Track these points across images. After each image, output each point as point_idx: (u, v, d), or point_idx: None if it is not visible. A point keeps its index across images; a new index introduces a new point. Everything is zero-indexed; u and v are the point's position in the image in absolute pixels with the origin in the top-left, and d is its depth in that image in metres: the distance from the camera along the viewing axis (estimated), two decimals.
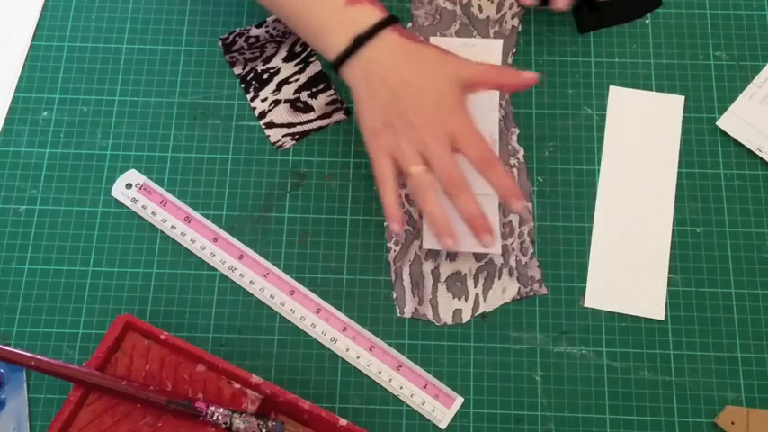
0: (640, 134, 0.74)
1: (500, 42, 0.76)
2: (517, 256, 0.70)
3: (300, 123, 0.74)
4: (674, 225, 0.71)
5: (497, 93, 0.74)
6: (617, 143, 0.74)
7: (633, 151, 0.73)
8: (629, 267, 0.70)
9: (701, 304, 0.69)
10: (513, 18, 0.77)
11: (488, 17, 0.77)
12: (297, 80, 0.76)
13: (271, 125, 0.74)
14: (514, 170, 0.72)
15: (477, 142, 0.63)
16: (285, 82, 0.76)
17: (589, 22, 0.77)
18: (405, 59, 0.64)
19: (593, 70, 0.76)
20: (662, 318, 0.68)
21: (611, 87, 0.75)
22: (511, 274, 0.70)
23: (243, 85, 0.76)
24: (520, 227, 0.71)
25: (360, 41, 0.64)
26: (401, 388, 0.67)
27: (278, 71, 0.76)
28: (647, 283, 0.69)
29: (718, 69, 0.76)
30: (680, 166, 0.73)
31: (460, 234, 0.64)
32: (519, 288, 0.69)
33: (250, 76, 0.76)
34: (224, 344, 0.68)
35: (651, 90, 0.75)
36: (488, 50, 0.74)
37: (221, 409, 0.62)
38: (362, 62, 0.64)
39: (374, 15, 0.64)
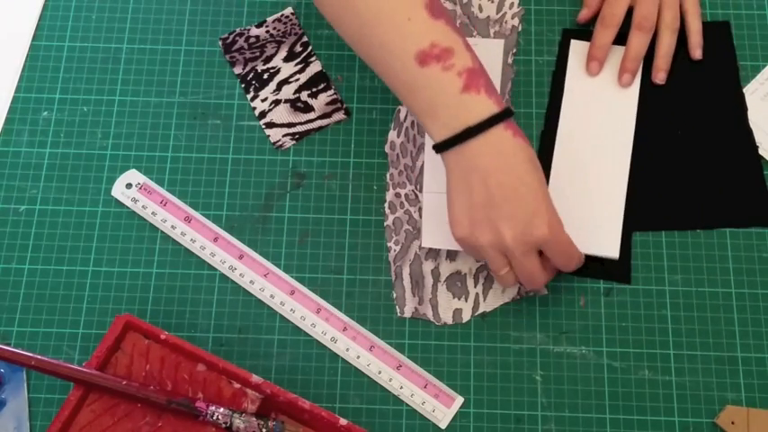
0: (599, 86, 0.74)
1: (500, 42, 0.76)
2: None
3: (300, 123, 0.74)
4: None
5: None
6: (576, 95, 0.74)
7: (592, 102, 0.73)
8: (584, 208, 0.69)
9: (701, 304, 0.69)
10: (513, 18, 0.77)
11: (488, 17, 0.77)
12: (297, 80, 0.76)
13: (271, 125, 0.74)
14: None
15: (564, 250, 0.63)
16: (285, 82, 0.76)
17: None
18: (510, 162, 0.61)
19: None
20: (616, 256, 0.68)
21: (572, 41, 0.75)
22: None
23: (243, 85, 0.76)
24: None
25: (469, 133, 0.60)
26: (401, 388, 0.67)
27: (278, 71, 0.76)
28: (603, 222, 0.69)
29: None
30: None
31: None
32: (519, 288, 0.69)
33: (250, 76, 0.76)
34: (224, 344, 0.68)
35: None
36: (489, 50, 0.74)
37: (221, 409, 0.62)
38: (467, 155, 0.61)
39: (488, 108, 0.60)
